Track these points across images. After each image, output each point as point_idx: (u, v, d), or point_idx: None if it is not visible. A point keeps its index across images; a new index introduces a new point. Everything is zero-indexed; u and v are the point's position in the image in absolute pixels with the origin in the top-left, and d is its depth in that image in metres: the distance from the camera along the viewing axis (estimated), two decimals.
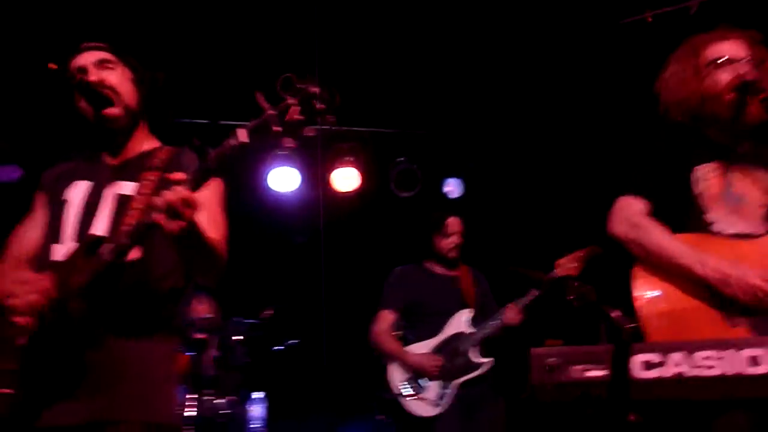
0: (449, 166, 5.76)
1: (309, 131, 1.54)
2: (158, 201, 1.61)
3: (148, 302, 1.96)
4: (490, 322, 3.75)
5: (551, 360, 1.59)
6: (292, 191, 5.50)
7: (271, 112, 1.54)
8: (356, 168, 5.51)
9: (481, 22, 4.57)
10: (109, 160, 2.10)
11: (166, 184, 1.62)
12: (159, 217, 1.61)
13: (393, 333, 3.93)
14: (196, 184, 1.62)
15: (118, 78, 2.03)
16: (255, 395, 4.59)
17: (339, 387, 5.58)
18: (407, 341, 3.86)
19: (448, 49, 4.79)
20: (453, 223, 3.96)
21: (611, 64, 4.72)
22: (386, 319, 3.89)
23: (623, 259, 2.21)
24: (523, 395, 5.01)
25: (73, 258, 1.86)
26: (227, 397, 4.66)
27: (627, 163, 2.28)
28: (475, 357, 3.72)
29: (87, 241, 1.86)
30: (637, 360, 1.52)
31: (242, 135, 1.56)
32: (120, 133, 2.07)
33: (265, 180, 5.35)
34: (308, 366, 5.63)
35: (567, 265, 3.69)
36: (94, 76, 1.98)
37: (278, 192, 5.42)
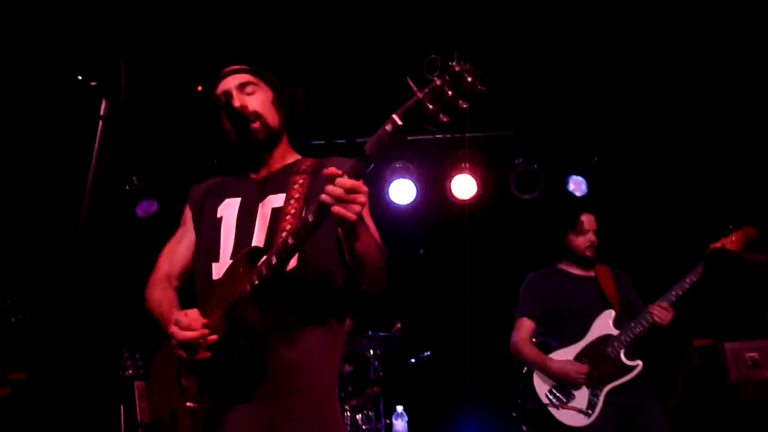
0: (571, 164, 5.52)
1: (462, 103, 1.54)
2: (324, 196, 1.62)
3: (310, 311, 1.96)
4: (638, 322, 3.52)
5: (752, 355, 1.42)
6: (409, 203, 5.49)
7: (420, 94, 1.56)
8: (473, 174, 5.42)
9: (595, 11, 4.38)
10: (255, 176, 2.15)
11: (327, 180, 1.63)
12: (335, 209, 1.61)
13: (532, 340, 3.79)
14: (356, 173, 1.63)
15: (259, 101, 2.09)
16: (399, 409, 4.56)
17: (479, 398, 5.47)
18: (549, 349, 3.69)
19: (560, 42, 4.63)
20: (588, 220, 3.77)
21: (737, 47, 4.41)
22: (525, 327, 3.74)
23: None
24: (671, 402, 4.67)
25: (233, 270, 1.91)
26: (364, 412, 4.69)
27: None
28: (625, 360, 3.49)
29: (246, 253, 1.91)
30: None
31: (397, 118, 1.58)
32: (263, 150, 2.13)
33: (387, 193, 5.37)
34: (445, 378, 5.56)
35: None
36: (237, 101, 2.04)
37: (398, 204, 5.42)
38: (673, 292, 3.47)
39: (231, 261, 1.97)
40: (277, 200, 2.03)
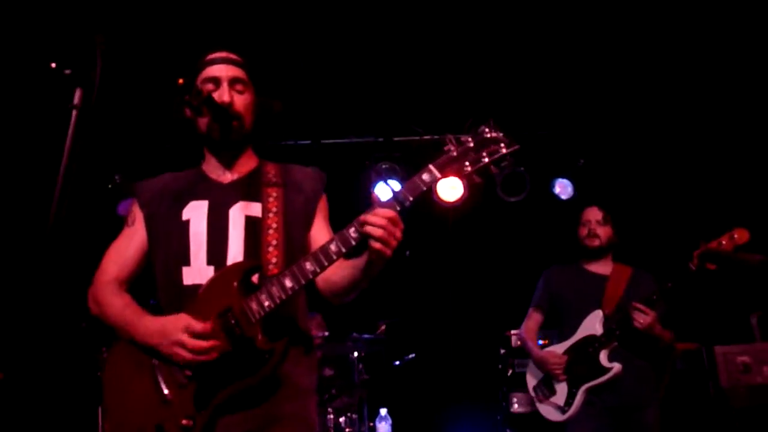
0: (557, 166, 5.52)
1: (494, 170, 1.72)
2: (371, 228, 1.69)
3: (297, 324, 2.01)
4: (620, 325, 3.48)
5: (743, 359, 1.40)
6: None
7: (456, 152, 1.74)
8: (459, 177, 5.38)
9: (582, 15, 4.38)
10: (218, 177, 2.08)
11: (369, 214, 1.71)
12: (375, 244, 1.70)
13: (538, 330, 3.89)
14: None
15: (244, 102, 2.03)
16: (383, 412, 4.51)
17: (464, 401, 5.43)
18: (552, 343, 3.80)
19: (547, 45, 4.62)
20: (587, 212, 3.81)
21: (722, 48, 4.43)
22: (532, 317, 3.89)
23: None
24: None
25: (223, 281, 1.87)
26: (348, 415, 4.64)
27: None
28: (603, 361, 3.48)
29: (241, 266, 1.89)
30: None
31: (435, 171, 1.74)
32: (231, 150, 2.07)
33: (370, 194, 5.33)
34: (430, 380, 5.53)
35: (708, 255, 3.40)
36: (226, 96, 1.97)
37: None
38: (652, 296, 3.43)
39: (207, 266, 1.93)
40: (251, 208, 2.00)
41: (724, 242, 3.31)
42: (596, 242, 3.73)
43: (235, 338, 1.80)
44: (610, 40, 4.53)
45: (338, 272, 1.90)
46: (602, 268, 3.78)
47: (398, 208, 1.72)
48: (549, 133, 5.49)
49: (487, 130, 1.75)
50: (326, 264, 1.77)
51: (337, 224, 2.13)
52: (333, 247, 1.76)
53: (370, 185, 5.39)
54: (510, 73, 4.85)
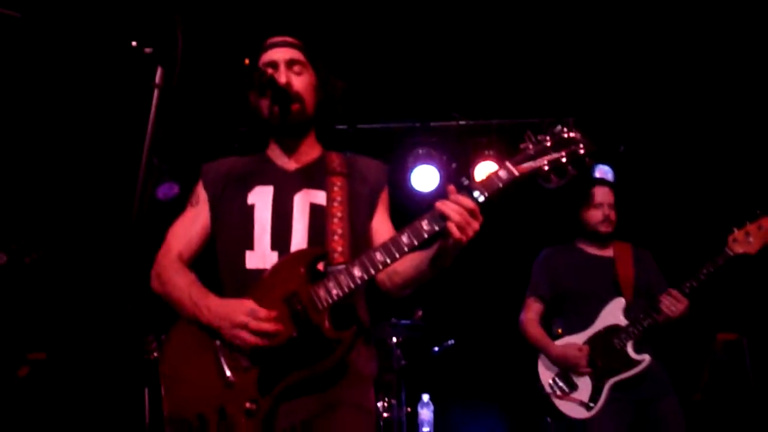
0: (598, 152, 5.43)
1: (572, 171, 1.69)
2: (452, 213, 1.69)
3: (357, 309, 2.01)
4: (648, 313, 3.30)
5: None
6: (432, 190, 5.42)
7: (532, 151, 1.72)
8: (497, 162, 5.34)
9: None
10: (284, 164, 2.09)
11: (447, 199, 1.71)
12: (452, 228, 1.69)
13: (540, 321, 3.63)
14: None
15: (303, 84, 2.03)
16: (425, 398, 4.50)
17: (504, 388, 5.41)
18: (558, 333, 3.54)
19: (587, 29, 4.54)
20: (600, 192, 3.59)
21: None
22: (532, 307, 3.62)
23: None
24: (695, 396, 4.55)
25: (288, 266, 1.87)
26: (386, 399, 4.65)
27: None
28: (632, 353, 3.30)
29: (308, 253, 1.89)
30: None
31: (512, 168, 1.73)
32: (293, 135, 2.08)
33: (409, 180, 5.30)
34: (470, 366, 5.51)
35: (745, 240, 3.24)
36: (283, 77, 1.98)
37: (421, 191, 5.36)
38: (687, 283, 3.25)
39: (271, 252, 1.93)
40: (315, 196, 2.01)
41: (761, 224, 3.22)
42: (611, 228, 3.56)
43: (301, 324, 1.80)
44: (652, 24, 4.43)
45: (404, 263, 1.89)
46: (603, 249, 3.60)
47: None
48: (589, 118, 5.40)
49: (565, 129, 1.74)
50: (397, 256, 1.76)
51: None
52: (405, 239, 1.76)
53: (407, 170, 5.35)
54: (549, 58, 4.78)
